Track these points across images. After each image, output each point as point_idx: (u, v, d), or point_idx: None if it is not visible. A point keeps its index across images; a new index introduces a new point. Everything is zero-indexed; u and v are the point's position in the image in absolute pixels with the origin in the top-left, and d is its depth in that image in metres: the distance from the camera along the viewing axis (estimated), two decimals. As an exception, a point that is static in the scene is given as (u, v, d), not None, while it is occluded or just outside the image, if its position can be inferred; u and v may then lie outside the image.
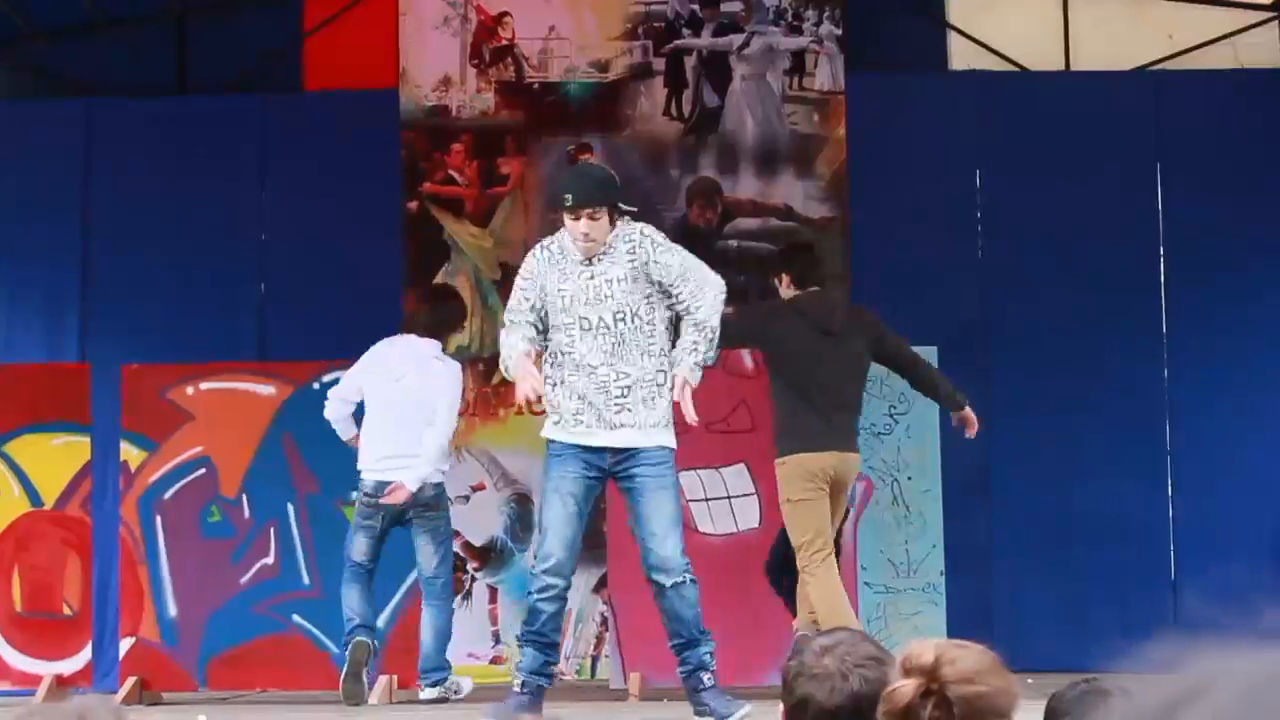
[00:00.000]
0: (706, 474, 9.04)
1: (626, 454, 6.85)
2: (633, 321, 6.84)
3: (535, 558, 7.06)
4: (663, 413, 6.85)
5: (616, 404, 6.80)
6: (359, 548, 8.53)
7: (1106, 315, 11.02)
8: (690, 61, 11.55)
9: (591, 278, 6.87)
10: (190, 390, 9.19)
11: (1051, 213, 11.17)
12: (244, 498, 9.05)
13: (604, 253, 6.91)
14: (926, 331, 9.75)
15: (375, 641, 8.50)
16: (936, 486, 9.27)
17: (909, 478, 9.26)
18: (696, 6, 11.55)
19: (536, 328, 6.92)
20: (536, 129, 11.49)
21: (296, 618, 8.92)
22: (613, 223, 6.94)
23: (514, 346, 6.86)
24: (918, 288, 10.89)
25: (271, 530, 9.03)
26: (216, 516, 9.06)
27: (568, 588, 6.97)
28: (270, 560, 8.98)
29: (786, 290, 8.34)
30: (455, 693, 8.72)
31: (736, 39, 11.53)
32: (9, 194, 11.36)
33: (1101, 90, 11.40)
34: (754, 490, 9.03)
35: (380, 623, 8.94)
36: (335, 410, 8.72)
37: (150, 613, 9.04)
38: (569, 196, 6.89)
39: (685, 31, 11.56)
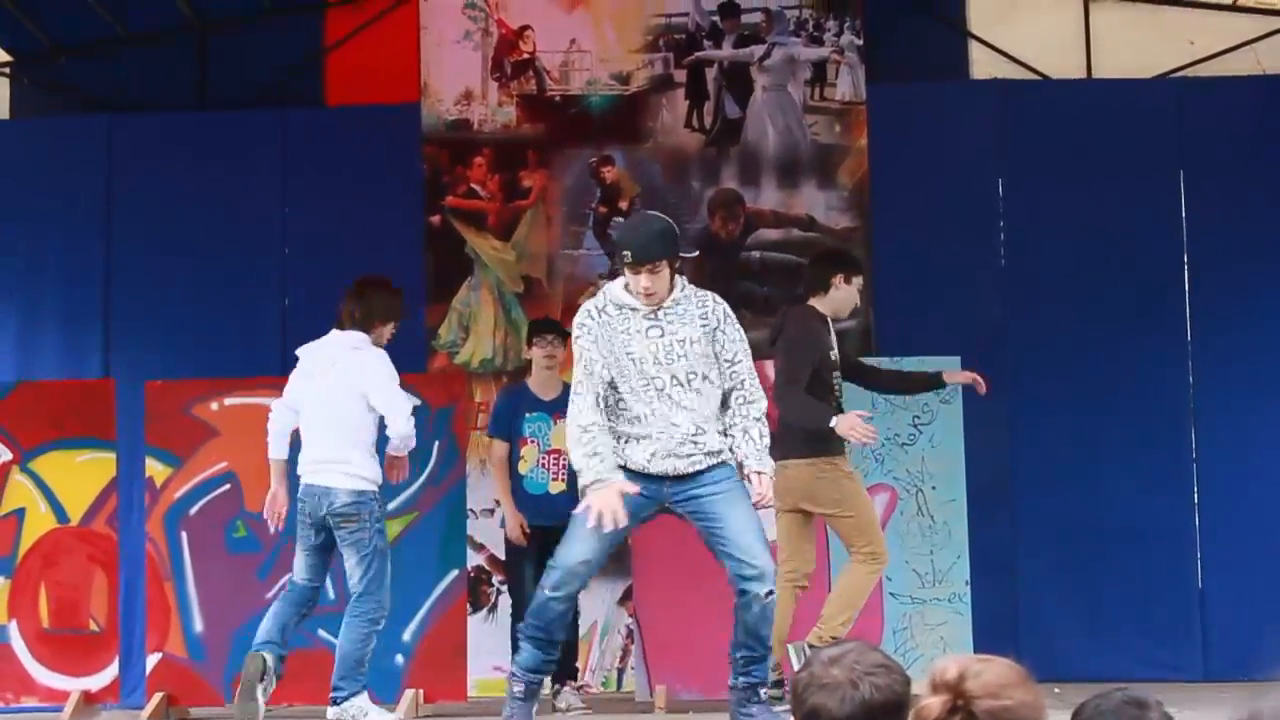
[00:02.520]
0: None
1: (688, 477, 6.81)
2: (704, 383, 6.81)
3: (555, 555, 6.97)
4: (720, 443, 6.84)
5: (690, 446, 6.78)
6: (296, 564, 8.13)
7: (1130, 322, 10.99)
8: (711, 73, 11.56)
9: (661, 335, 6.81)
10: (214, 406, 9.21)
11: (1074, 220, 11.15)
12: (269, 513, 9.05)
13: (670, 309, 6.86)
14: (949, 340, 9.76)
15: (277, 660, 7.97)
16: (961, 496, 9.26)
17: (933, 488, 9.25)
18: (717, 18, 11.56)
19: (606, 400, 6.82)
20: (558, 142, 11.51)
21: (322, 632, 8.91)
22: (673, 274, 6.89)
23: (605, 455, 6.69)
24: (940, 296, 10.89)
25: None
26: (241, 532, 9.08)
27: (581, 588, 6.96)
28: (295, 575, 8.97)
29: (847, 290, 8.29)
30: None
31: (757, 50, 11.54)
32: (32, 210, 11.39)
33: (1123, 97, 11.37)
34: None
35: (407, 636, 8.94)
36: (278, 421, 8.22)
37: (177, 628, 9.06)
38: (628, 253, 6.78)
39: (706, 43, 11.57)
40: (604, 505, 6.55)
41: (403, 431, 8.06)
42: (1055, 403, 10.94)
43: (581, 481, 6.74)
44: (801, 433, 7.95)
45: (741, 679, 6.89)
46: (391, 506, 8.93)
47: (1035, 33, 11.65)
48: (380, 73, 11.59)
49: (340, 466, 7.96)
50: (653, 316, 6.84)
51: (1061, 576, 10.82)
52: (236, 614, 9.02)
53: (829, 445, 7.94)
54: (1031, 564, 10.81)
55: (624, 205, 11.39)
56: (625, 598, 10.54)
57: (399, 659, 8.94)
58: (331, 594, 8.95)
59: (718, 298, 7.02)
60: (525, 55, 11.58)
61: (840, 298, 8.26)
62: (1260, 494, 10.87)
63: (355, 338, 8.21)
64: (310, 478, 8.00)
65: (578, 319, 6.94)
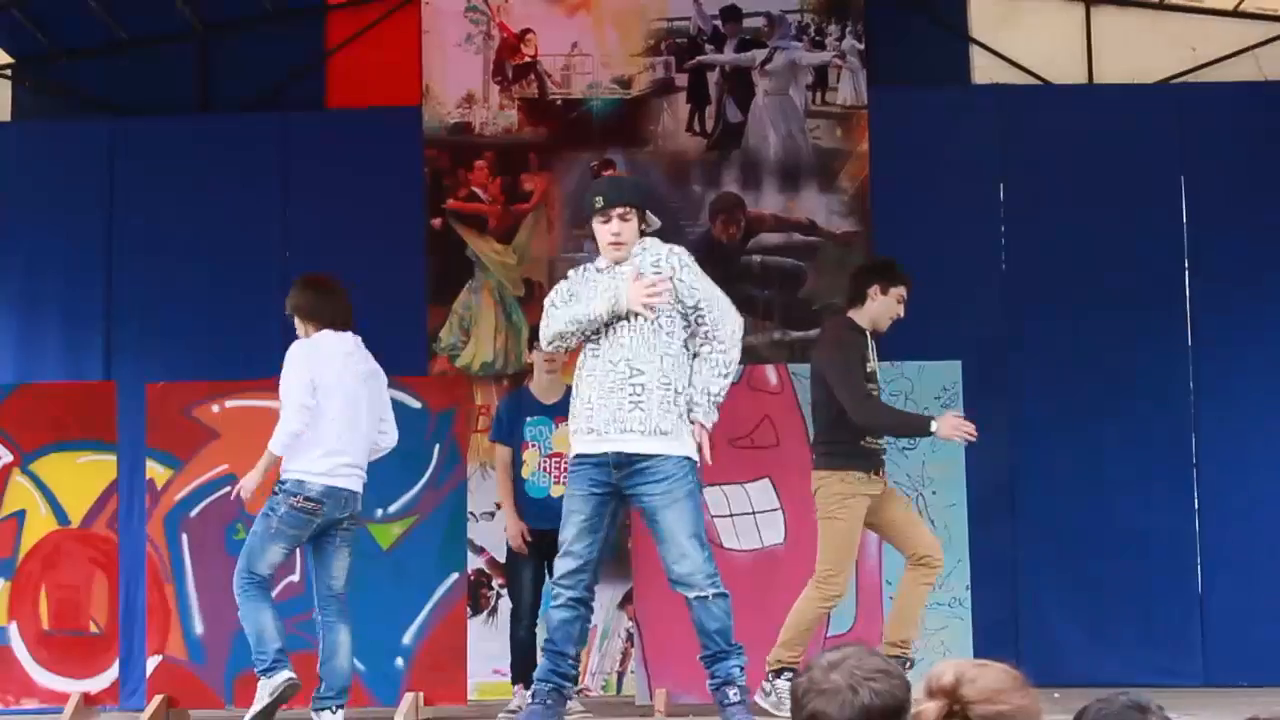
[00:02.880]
0: (731, 489, 9.04)
1: (634, 463, 6.77)
2: (651, 324, 6.79)
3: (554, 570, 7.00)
4: (674, 421, 6.79)
5: (631, 402, 6.75)
6: (273, 559, 7.85)
7: (1131, 328, 11.00)
8: (713, 77, 11.57)
9: (612, 279, 6.86)
10: (215, 408, 9.20)
11: (1075, 226, 11.15)
12: (269, 515, 9.04)
13: (629, 261, 6.90)
14: (950, 346, 9.76)
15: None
16: (962, 501, 9.25)
17: (934, 492, 9.24)
18: (719, 22, 11.57)
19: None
20: (560, 145, 11.52)
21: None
22: (640, 232, 6.95)
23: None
24: (941, 302, 10.87)
25: (297, 549, 9.02)
26: (242, 534, 9.03)
27: (579, 599, 6.89)
28: (296, 578, 8.97)
29: (884, 301, 8.24)
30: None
31: (759, 54, 11.55)
32: (34, 212, 11.40)
33: (1124, 103, 11.38)
34: (778, 505, 9.01)
35: (407, 639, 8.93)
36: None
37: (177, 630, 9.05)
38: (599, 199, 6.91)
39: (708, 47, 11.58)
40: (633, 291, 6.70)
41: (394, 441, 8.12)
42: (1056, 407, 10.95)
43: (608, 303, 6.77)
44: (830, 446, 7.97)
45: (709, 682, 6.86)
46: (392, 509, 8.94)
47: (1036, 38, 11.65)
48: (382, 76, 11.60)
49: (360, 471, 7.95)
50: (613, 268, 6.92)
51: (1062, 581, 10.83)
52: (237, 616, 9.01)
53: (853, 461, 7.97)
54: (1032, 568, 10.82)
55: (625, 209, 11.39)
56: (625, 601, 10.55)
57: (399, 662, 8.93)
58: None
59: (675, 248, 7.01)
60: (527, 59, 11.59)
61: (877, 309, 8.20)
62: (1260, 500, 10.87)
63: (358, 340, 8.16)
64: (335, 480, 7.84)
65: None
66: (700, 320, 6.86)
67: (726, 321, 6.89)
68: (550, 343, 7.00)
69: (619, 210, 6.89)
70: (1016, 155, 11.35)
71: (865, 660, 2.84)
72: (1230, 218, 11.15)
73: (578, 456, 6.87)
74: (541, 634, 8.67)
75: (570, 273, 7.11)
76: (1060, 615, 10.76)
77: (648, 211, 7.02)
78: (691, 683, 8.95)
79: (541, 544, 8.85)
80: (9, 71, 11.84)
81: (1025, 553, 10.83)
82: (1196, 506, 10.98)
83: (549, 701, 6.88)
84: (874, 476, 8.02)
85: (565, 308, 6.91)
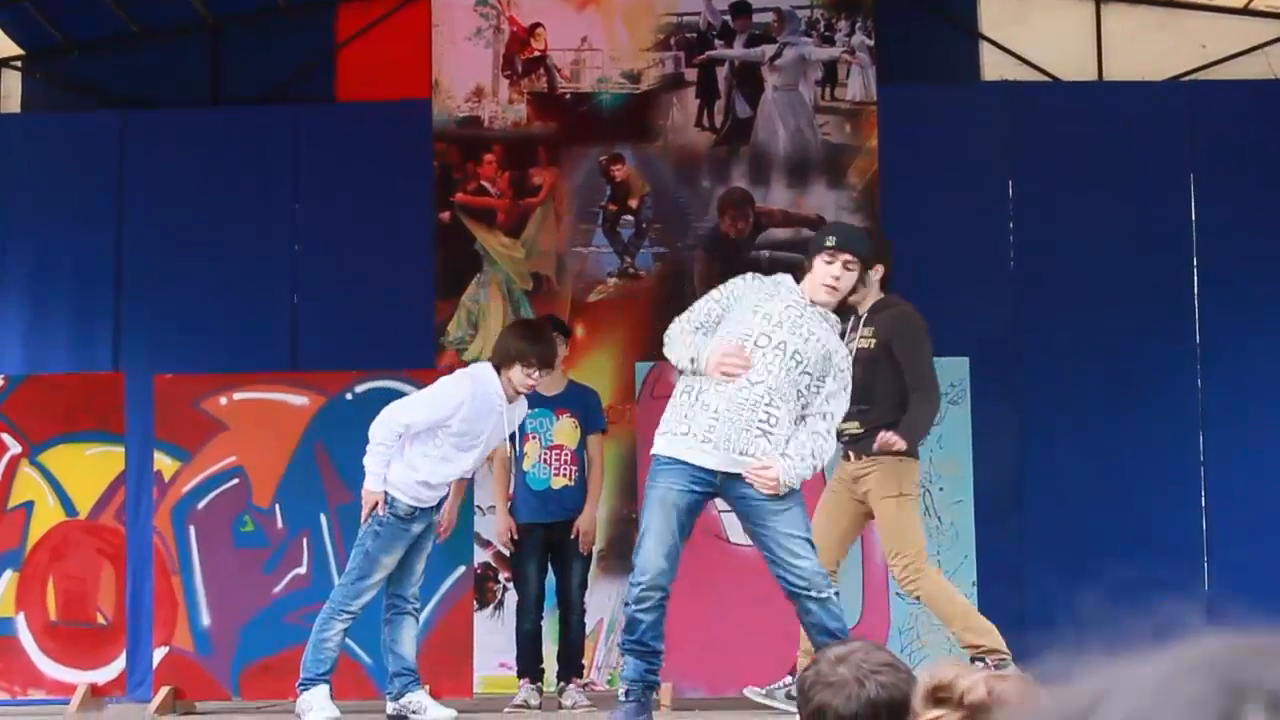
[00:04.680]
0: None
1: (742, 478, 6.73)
2: (802, 377, 6.71)
3: (634, 571, 6.87)
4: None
5: (759, 429, 6.67)
6: (388, 567, 8.03)
7: (1139, 326, 10.99)
8: (722, 72, 11.56)
9: (800, 316, 6.76)
10: (223, 400, 9.22)
11: (1084, 223, 11.15)
12: (277, 508, 9.07)
13: (824, 317, 6.84)
14: (958, 342, 9.74)
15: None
16: (968, 498, 9.25)
17: (940, 489, 9.24)
18: (728, 17, 11.56)
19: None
20: (569, 140, 11.52)
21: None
22: (854, 288, 6.97)
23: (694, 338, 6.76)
24: (950, 298, 10.87)
25: (304, 540, 9.04)
26: (249, 526, 9.08)
27: (666, 597, 6.82)
28: (303, 570, 8.99)
29: (876, 279, 8.00)
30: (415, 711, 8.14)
31: (768, 50, 11.54)
32: (44, 205, 11.42)
33: (1134, 100, 11.37)
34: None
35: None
36: None
37: (184, 622, 9.07)
38: (833, 238, 6.85)
39: (717, 42, 11.58)
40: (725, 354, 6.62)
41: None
42: (1064, 405, 10.94)
43: (690, 355, 6.71)
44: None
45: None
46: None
47: (1047, 35, 11.65)
48: (391, 69, 11.61)
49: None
50: (800, 307, 6.79)
51: (1068, 578, 10.82)
52: (243, 608, 9.03)
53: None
54: (1038, 565, 10.80)
55: (633, 204, 11.40)
56: (632, 596, 10.54)
57: (405, 655, 8.94)
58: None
59: (844, 348, 6.98)
60: (536, 53, 11.59)
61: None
62: (1268, 499, 10.86)
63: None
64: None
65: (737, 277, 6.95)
66: (819, 404, 6.78)
67: (833, 429, 6.88)
68: (666, 350, 6.91)
69: (846, 257, 6.81)
70: (1026, 152, 11.34)
71: (872, 654, 2.85)
72: (1240, 215, 11.14)
73: (681, 460, 6.75)
74: (581, 628, 8.78)
75: (744, 276, 6.98)
76: (1066, 612, 10.74)
77: (869, 273, 6.98)
78: (696, 676, 8.97)
79: (544, 538, 8.86)
80: (20, 64, 11.86)
81: (1031, 549, 10.82)
82: (1204, 504, 10.98)
83: (644, 700, 6.88)
84: None
85: (691, 335, 6.76)
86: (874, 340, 7.93)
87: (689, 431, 6.68)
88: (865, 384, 7.81)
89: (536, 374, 8.00)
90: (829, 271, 6.80)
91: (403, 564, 8.03)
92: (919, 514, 7.96)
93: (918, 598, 7.77)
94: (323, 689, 7.97)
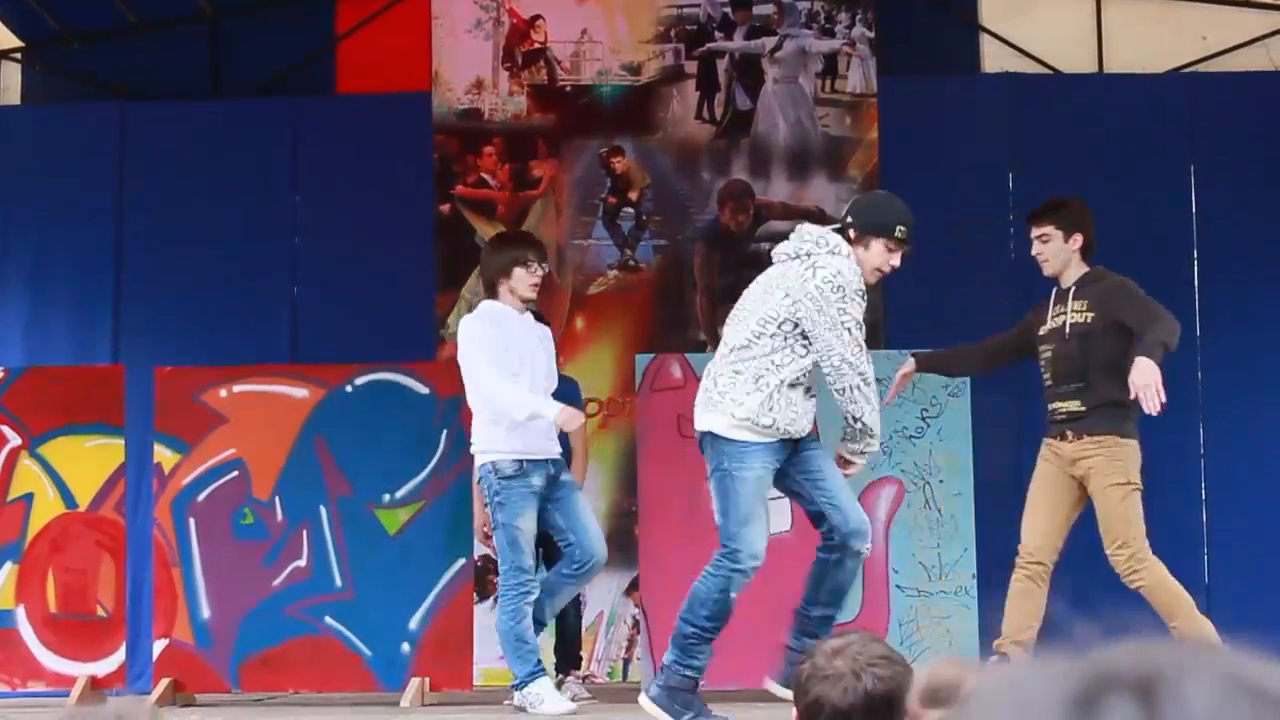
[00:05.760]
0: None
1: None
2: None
3: (740, 554, 6.87)
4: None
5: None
6: (528, 530, 7.90)
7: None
8: (722, 64, 11.56)
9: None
10: (223, 393, 9.21)
11: (1084, 215, 11.13)
12: (276, 500, 9.06)
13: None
14: (959, 333, 9.72)
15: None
16: (968, 490, 9.25)
17: (940, 480, 9.24)
18: (728, 9, 11.56)
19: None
20: (569, 132, 11.51)
21: (329, 619, 8.93)
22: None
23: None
24: (950, 290, 10.89)
25: (304, 533, 9.04)
26: (249, 519, 9.08)
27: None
28: (303, 562, 8.99)
29: (1076, 250, 7.93)
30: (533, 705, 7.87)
31: (769, 42, 11.53)
32: (43, 197, 11.41)
33: (1135, 92, 11.37)
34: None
35: (413, 624, 8.94)
36: None
37: (183, 615, 9.07)
38: (903, 229, 6.91)
39: (717, 34, 11.57)
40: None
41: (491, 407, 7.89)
42: (1064, 397, 10.92)
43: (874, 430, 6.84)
44: (1125, 410, 7.65)
45: (804, 639, 6.76)
46: (399, 495, 8.95)
47: (1047, 27, 11.64)
48: (391, 61, 11.60)
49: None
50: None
51: (1067, 571, 10.80)
52: (243, 600, 9.03)
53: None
54: (1038, 558, 10.80)
55: (634, 196, 11.40)
56: (631, 588, 10.55)
57: (405, 647, 8.95)
58: (339, 582, 8.97)
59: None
60: (536, 45, 11.58)
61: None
62: (1268, 493, 10.86)
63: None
64: None
65: (849, 274, 6.83)
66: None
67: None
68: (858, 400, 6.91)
69: (907, 249, 6.94)
70: (1026, 144, 11.33)
71: (868, 647, 2.85)
72: (1240, 207, 11.13)
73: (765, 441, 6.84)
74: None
75: (858, 284, 6.89)
76: (1065, 605, 10.74)
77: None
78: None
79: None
80: (19, 55, 11.86)
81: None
82: (1204, 497, 10.98)
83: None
84: None
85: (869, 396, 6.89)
86: (1090, 314, 7.78)
87: (791, 419, 6.85)
88: (1082, 359, 7.72)
89: (538, 270, 7.98)
90: (888, 260, 6.89)
91: (569, 520, 7.94)
92: (1141, 503, 7.79)
93: (1140, 589, 7.64)
94: (544, 680, 7.85)
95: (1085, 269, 7.89)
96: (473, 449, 7.96)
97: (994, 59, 11.64)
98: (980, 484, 9.33)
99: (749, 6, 11.55)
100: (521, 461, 7.77)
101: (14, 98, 11.87)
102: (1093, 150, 11.20)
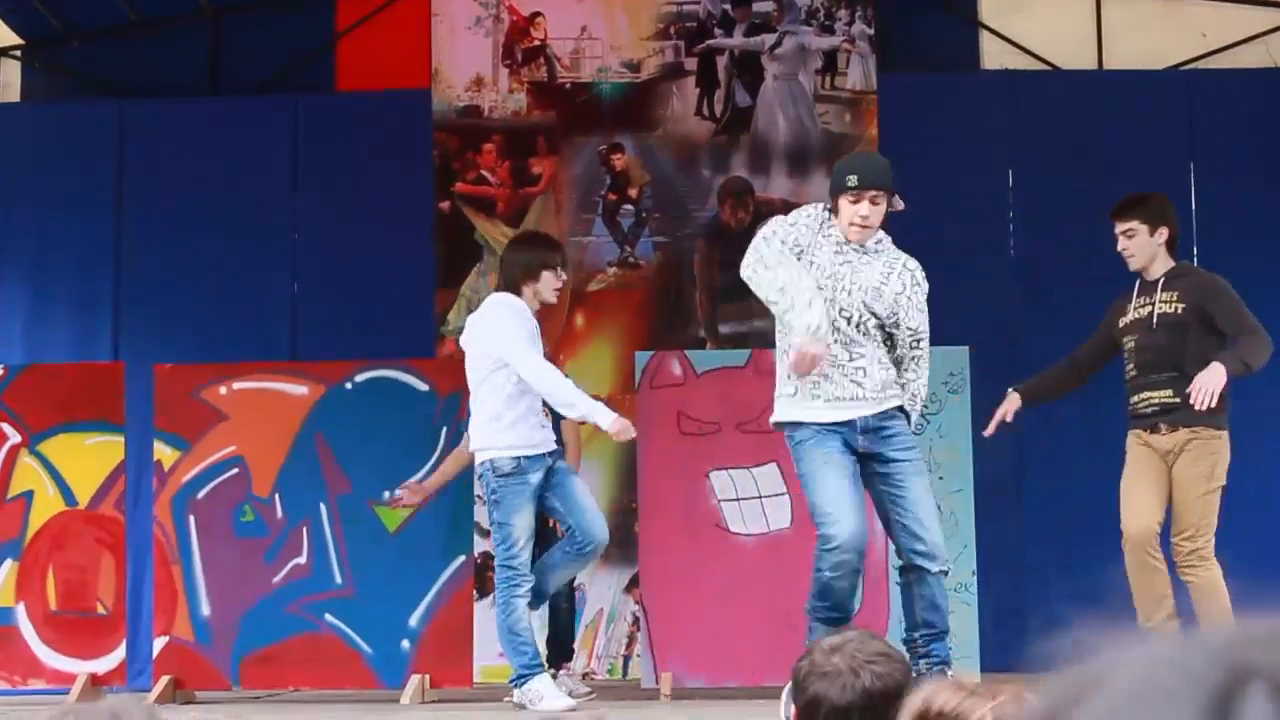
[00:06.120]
0: (738, 474, 9.03)
1: (879, 429, 6.79)
2: (876, 330, 6.89)
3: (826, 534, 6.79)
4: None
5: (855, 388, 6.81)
6: (524, 527, 7.87)
7: (1139, 315, 10.97)
8: (722, 61, 11.56)
9: (846, 262, 6.82)
10: (223, 390, 9.22)
11: (1084, 212, 11.11)
12: (276, 497, 9.07)
13: (868, 250, 6.88)
14: (958, 331, 9.74)
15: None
16: (968, 487, 9.25)
17: (940, 478, 9.24)
18: (728, 6, 11.55)
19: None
20: (568, 129, 11.51)
21: (329, 617, 8.93)
22: (885, 216, 6.93)
23: (808, 290, 6.69)
24: (950, 287, 10.83)
25: (304, 530, 9.04)
26: (249, 516, 9.08)
27: (861, 559, 6.81)
28: (303, 560, 8.99)
29: (1162, 243, 7.91)
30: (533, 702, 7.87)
31: (768, 38, 11.53)
32: (43, 194, 11.41)
33: (1134, 89, 11.37)
34: (785, 490, 9.00)
35: (413, 621, 8.94)
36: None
37: (184, 612, 9.07)
38: (854, 177, 6.79)
39: (717, 31, 11.57)
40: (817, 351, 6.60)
41: (535, 387, 7.81)
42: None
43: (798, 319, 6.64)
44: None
45: (923, 661, 6.70)
46: (399, 491, 8.94)
47: (1047, 24, 11.64)
48: (391, 59, 11.60)
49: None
50: (843, 250, 6.83)
51: (1068, 568, 10.82)
52: (243, 598, 9.04)
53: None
54: (1038, 555, 10.81)
55: (633, 193, 11.40)
56: (631, 585, 10.55)
57: (405, 644, 8.95)
58: (339, 579, 8.96)
59: (913, 261, 7.06)
60: (536, 42, 11.58)
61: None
62: (1268, 490, 10.86)
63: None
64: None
65: (806, 207, 6.96)
66: (916, 342, 7.01)
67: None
68: (750, 272, 6.85)
69: (872, 193, 6.79)
70: (1026, 141, 11.33)
71: (866, 644, 2.85)
72: (1239, 204, 11.13)
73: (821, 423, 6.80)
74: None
75: (809, 212, 6.93)
76: (1066, 602, 10.74)
77: (895, 195, 6.92)
78: (697, 666, 8.97)
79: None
80: (19, 53, 11.86)
81: (1032, 539, 10.82)
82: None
83: None
84: None
85: (787, 267, 6.71)
86: (1181, 305, 7.77)
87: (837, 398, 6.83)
88: (1173, 350, 7.71)
89: (562, 275, 8.06)
90: (855, 211, 6.79)
91: (566, 504, 7.92)
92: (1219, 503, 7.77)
93: (1190, 584, 7.65)
94: (543, 677, 7.82)
95: (1172, 262, 7.91)
96: (471, 447, 7.96)
97: (994, 56, 11.64)
98: (980, 481, 9.33)
99: (749, 3, 11.55)
100: (519, 459, 7.77)
101: (14, 95, 11.87)
102: (1092, 147, 11.20)
